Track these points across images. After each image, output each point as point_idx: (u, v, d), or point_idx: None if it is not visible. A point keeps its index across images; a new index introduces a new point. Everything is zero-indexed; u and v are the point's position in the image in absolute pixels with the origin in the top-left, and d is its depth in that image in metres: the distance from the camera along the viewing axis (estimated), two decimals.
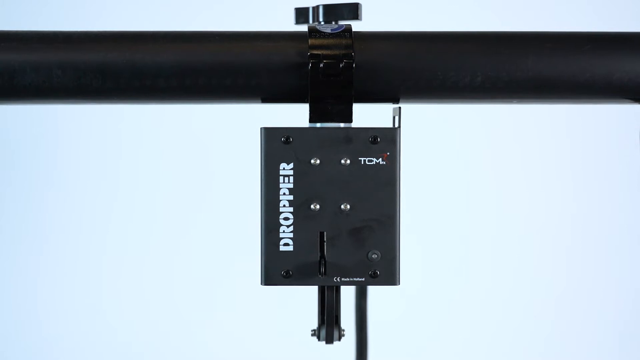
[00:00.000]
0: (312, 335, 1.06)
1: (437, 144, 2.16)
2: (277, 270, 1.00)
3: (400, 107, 1.02)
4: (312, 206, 0.99)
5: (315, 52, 0.98)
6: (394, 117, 1.04)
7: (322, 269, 0.99)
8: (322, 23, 1.05)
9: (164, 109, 2.06)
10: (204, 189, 2.18)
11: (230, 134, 2.06)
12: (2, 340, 2.19)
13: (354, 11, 1.06)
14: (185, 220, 2.19)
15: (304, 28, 1.03)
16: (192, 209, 2.19)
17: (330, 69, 0.98)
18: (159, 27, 1.05)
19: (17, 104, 1.03)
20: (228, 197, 2.15)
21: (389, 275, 1.00)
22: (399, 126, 1.00)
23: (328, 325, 1.03)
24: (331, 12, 1.06)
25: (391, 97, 1.02)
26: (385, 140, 0.98)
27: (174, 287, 2.20)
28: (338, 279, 1.00)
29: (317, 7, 1.06)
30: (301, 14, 1.07)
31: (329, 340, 1.04)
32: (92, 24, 2.05)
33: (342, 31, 1.00)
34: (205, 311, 2.20)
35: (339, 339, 1.05)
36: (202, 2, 2.12)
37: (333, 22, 1.05)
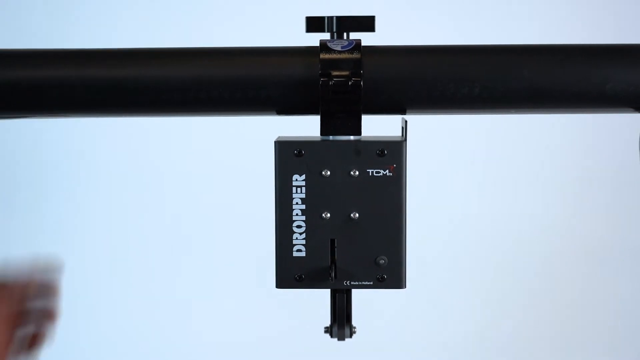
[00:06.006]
0: (325, 332, 1.12)
1: (440, 149, 2.19)
2: (290, 274, 1.05)
3: (406, 121, 1.07)
4: (323, 215, 1.04)
5: (325, 70, 1.03)
6: (402, 128, 1.08)
7: (333, 274, 1.05)
8: (335, 34, 1.07)
9: (182, 120, 2.09)
10: (224, 200, 2.21)
11: (247, 145, 2.06)
12: None
13: (369, 24, 1.07)
14: (203, 227, 2.23)
15: (314, 36, 1.07)
16: (213, 219, 2.22)
17: (339, 87, 1.02)
18: (175, 44, 1.09)
19: (41, 118, 1.09)
20: (246, 206, 2.18)
21: (395, 279, 1.06)
22: (405, 139, 1.05)
23: (339, 325, 1.09)
24: (345, 24, 1.06)
25: (398, 109, 1.07)
26: (392, 153, 1.03)
27: (193, 292, 2.24)
28: (348, 282, 1.06)
29: (332, 18, 1.06)
30: (313, 24, 1.07)
31: (341, 338, 1.10)
32: (109, 41, 2.06)
33: (352, 48, 1.04)
34: (223, 309, 2.25)
35: (350, 336, 1.10)
36: (216, 18, 2.14)
37: (344, 36, 1.07)
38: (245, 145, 2.09)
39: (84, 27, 2.13)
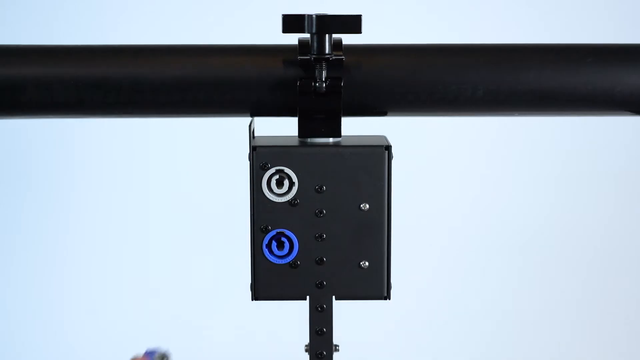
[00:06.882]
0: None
1: (439, 149, 2.15)
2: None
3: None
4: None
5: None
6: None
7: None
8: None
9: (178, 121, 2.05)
10: (197, 205, 2.17)
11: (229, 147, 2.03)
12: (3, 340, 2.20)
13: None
14: (201, 229, 2.17)
15: (294, 36, 1.00)
16: (208, 221, 2.17)
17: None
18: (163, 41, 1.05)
19: (20, 118, 1.03)
20: (218, 217, 2.14)
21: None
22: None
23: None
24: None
25: (378, 110, 1.01)
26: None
27: (189, 293, 2.19)
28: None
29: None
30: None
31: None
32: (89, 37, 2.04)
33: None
34: (200, 325, 2.20)
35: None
36: (212, 16, 2.12)
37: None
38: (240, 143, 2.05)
39: (60, 21, 2.09)
